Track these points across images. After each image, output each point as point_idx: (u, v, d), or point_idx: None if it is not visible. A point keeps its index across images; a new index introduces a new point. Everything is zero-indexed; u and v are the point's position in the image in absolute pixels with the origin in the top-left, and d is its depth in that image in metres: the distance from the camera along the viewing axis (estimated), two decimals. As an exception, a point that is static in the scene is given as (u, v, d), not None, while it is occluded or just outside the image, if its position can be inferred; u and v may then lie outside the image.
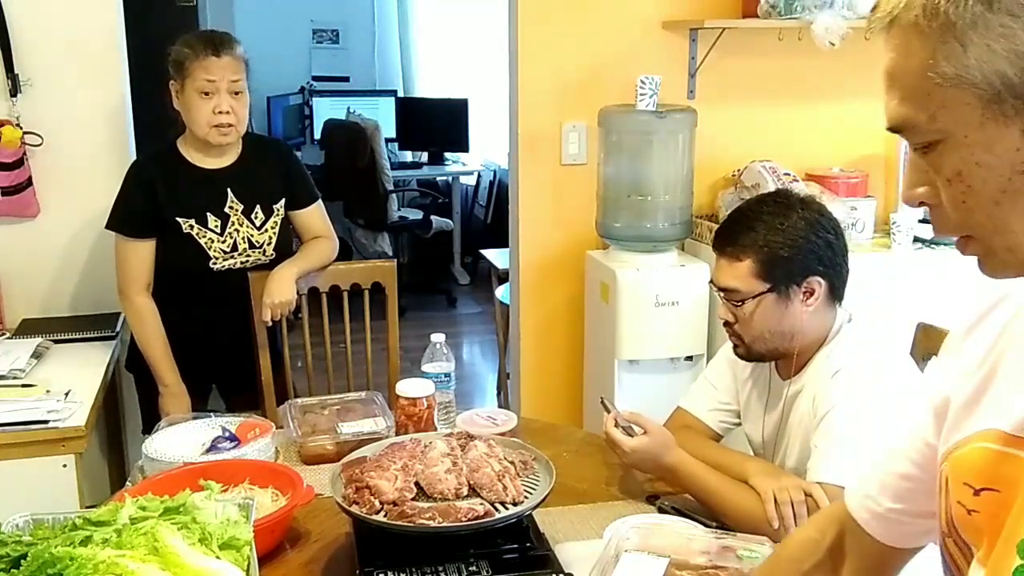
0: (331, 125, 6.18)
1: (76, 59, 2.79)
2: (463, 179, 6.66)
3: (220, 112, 2.38)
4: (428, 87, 6.97)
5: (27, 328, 2.69)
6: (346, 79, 6.97)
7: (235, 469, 1.69)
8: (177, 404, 2.41)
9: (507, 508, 1.46)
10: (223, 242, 2.44)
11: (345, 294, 2.61)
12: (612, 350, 2.97)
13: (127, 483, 1.90)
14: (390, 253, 5.76)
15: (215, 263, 2.44)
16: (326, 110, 6.56)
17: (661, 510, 1.70)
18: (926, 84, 0.79)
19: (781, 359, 1.76)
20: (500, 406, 2.35)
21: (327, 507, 1.63)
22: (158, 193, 2.42)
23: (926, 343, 2.07)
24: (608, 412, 1.75)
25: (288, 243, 2.57)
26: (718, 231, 1.77)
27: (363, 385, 2.47)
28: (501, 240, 3.77)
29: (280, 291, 2.41)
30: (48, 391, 2.27)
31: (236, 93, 2.40)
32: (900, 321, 2.00)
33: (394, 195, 5.89)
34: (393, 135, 6.43)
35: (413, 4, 6.98)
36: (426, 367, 2.05)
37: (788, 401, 1.75)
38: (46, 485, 2.14)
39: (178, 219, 2.41)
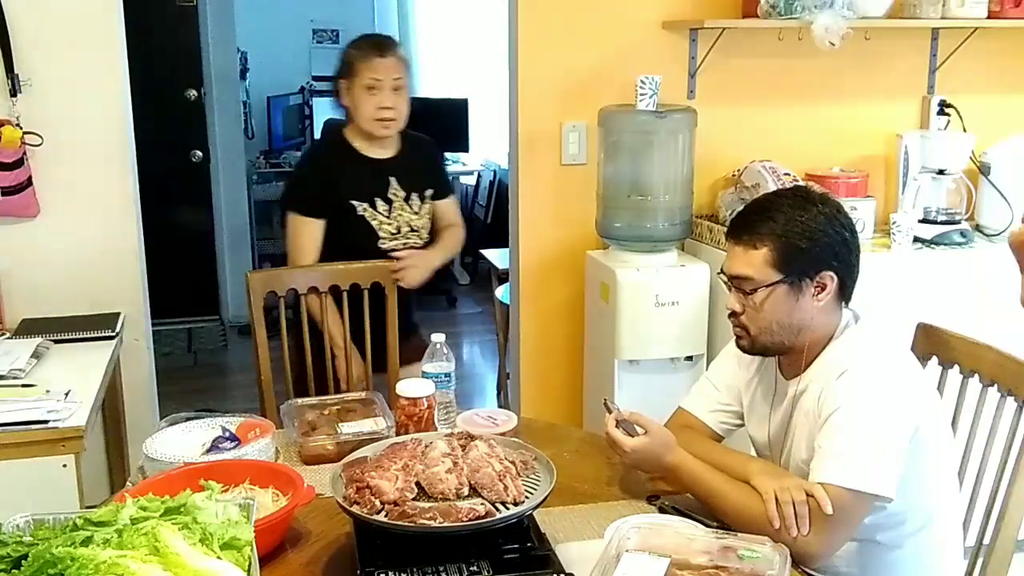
0: (331, 125, 6.16)
1: (76, 59, 2.79)
2: (463, 179, 6.66)
3: (383, 107, 2.61)
4: (428, 87, 6.97)
5: (27, 328, 2.69)
6: (346, 79, 6.96)
7: (236, 469, 1.69)
8: (354, 363, 2.61)
9: (508, 508, 1.46)
10: (390, 224, 2.68)
11: (345, 294, 2.61)
12: (612, 350, 2.97)
13: (127, 483, 1.90)
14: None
15: (383, 243, 2.67)
16: (326, 110, 6.54)
17: (662, 510, 1.70)
18: None
19: (785, 354, 1.76)
20: (500, 406, 2.38)
21: (327, 507, 1.63)
22: (333, 177, 2.66)
23: (926, 343, 2.07)
24: (609, 412, 1.75)
25: (434, 229, 2.80)
26: (734, 219, 1.76)
27: (363, 385, 2.47)
28: (501, 240, 3.77)
29: (424, 263, 2.69)
30: (48, 391, 2.26)
31: (397, 90, 2.64)
32: (900, 321, 2.00)
33: (394, 195, 5.88)
34: (393, 135, 6.42)
35: (413, 4, 6.98)
36: (426, 367, 2.05)
37: (792, 400, 1.75)
38: (46, 485, 2.14)
39: (352, 201, 2.64)
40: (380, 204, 2.66)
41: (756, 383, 1.86)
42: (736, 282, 1.72)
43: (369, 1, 7.08)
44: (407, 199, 2.72)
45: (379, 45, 2.66)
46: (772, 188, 3.08)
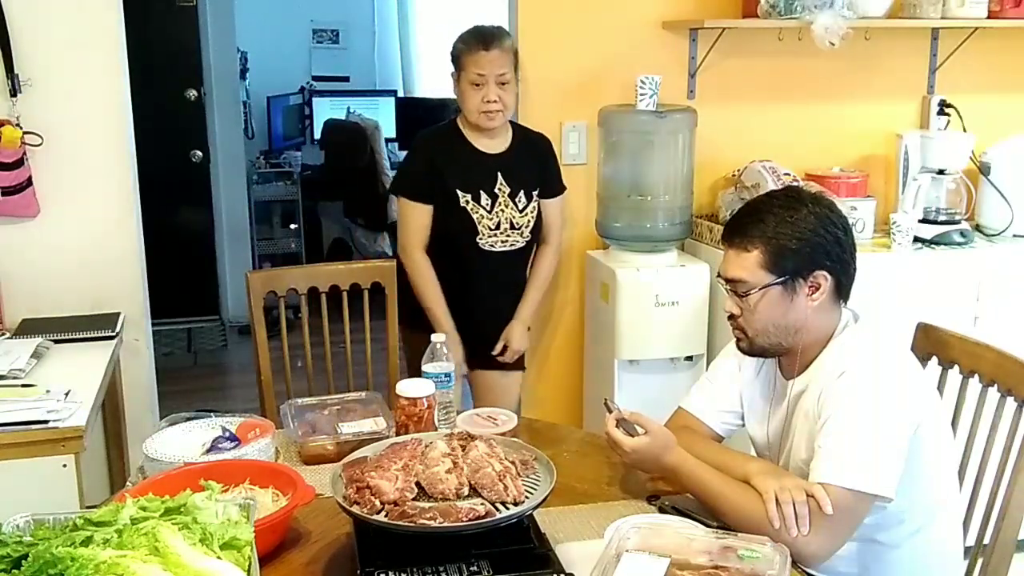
0: (331, 125, 6.17)
1: (76, 59, 2.79)
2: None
3: (487, 101, 2.62)
4: (428, 87, 6.96)
5: (27, 328, 2.69)
6: (346, 79, 6.96)
7: (235, 469, 1.69)
8: (454, 350, 2.58)
9: (508, 508, 1.46)
10: (491, 219, 2.68)
11: (345, 294, 2.61)
12: (612, 350, 2.97)
13: (127, 483, 1.90)
14: (390, 253, 5.75)
15: (481, 238, 2.68)
16: (326, 110, 6.56)
17: (662, 510, 1.70)
18: None
19: (784, 355, 1.76)
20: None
21: (327, 507, 1.63)
22: (438, 165, 2.68)
23: (926, 343, 2.07)
24: (610, 412, 1.75)
25: (538, 228, 2.79)
26: (728, 223, 1.78)
27: (363, 385, 2.47)
28: (501, 240, 3.76)
29: (521, 343, 2.80)
30: (48, 391, 2.26)
31: (502, 84, 2.63)
32: (900, 321, 2.00)
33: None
34: (393, 135, 6.43)
35: (413, 4, 6.97)
36: (426, 367, 2.05)
37: (792, 400, 1.75)
38: (46, 485, 2.13)
39: (457, 191, 2.66)
40: (484, 198, 2.67)
41: (756, 383, 1.86)
42: (731, 285, 1.72)
43: (369, 1, 7.07)
44: (512, 195, 2.71)
45: (484, 38, 2.64)
46: (772, 188, 3.09)
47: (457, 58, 2.68)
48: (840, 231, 1.69)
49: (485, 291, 2.74)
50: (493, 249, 2.70)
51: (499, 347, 2.77)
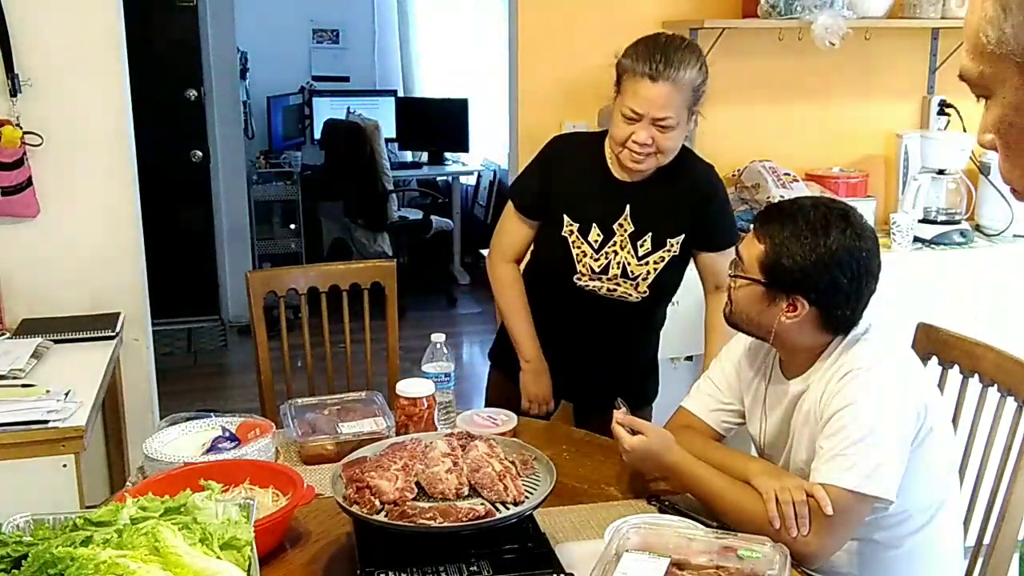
0: (331, 125, 6.17)
1: (76, 59, 2.79)
2: (463, 179, 6.66)
3: (636, 142, 2.08)
4: (428, 87, 6.97)
5: (27, 328, 2.69)
6: (346, 79, 6.96)
7: (235, 469, 1.69)
8: (538, 382, 2.28)
9: (508, 508, 1.46)
10: (595, 260, 2.19)
11: (345, 294, 2.61)
12: (612, 350, 2.96)
13: (127, 483, 1.90)
14: (390, 253, 5.76)
15: (579, 278, 2.21)
16: (326, 110, 6.56)
17: (662, 510, 1.70)
18: (979, 43, 0.83)
19: (761, 341, 1.78)
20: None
21: (327, 507, 1.63)
22: (557, 178, 2.23)
23: (926, 343, 2.07)
24: (617, 410, 1.76)
25: (670, 286, 2.28)
26: (771, 205, 1.80)
27: (363, 385, 2.47)
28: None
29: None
30: (48, 391, 2.26)
31: (664, 128, 2.06)
32: (900, 321, 2.00)
33: (394, 195, 5.89)
34: (393, 135, 6.43)
35: (413, 4, 6.97)
36: (426, 367, 2.05)
37: (793, 400, 1.74)
38: (46, 485, 2.14)
39: (565, 216, 2.20)
40: (594, 232, 2.18)
41: (757, 382, 1.86)
42: (736, 261, 1.76)
43: (369, 1, 7.07)
44: (637, 236, 2.18)
45: (655, 63, 2.03)
46: (772, 188, 3.09)
47: (620, 75, 2.12)
48: (845, 278, 1.63)
49: (578, 333, 2.29)
50: (596, 293, 2.22)
51: None
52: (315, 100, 6.72)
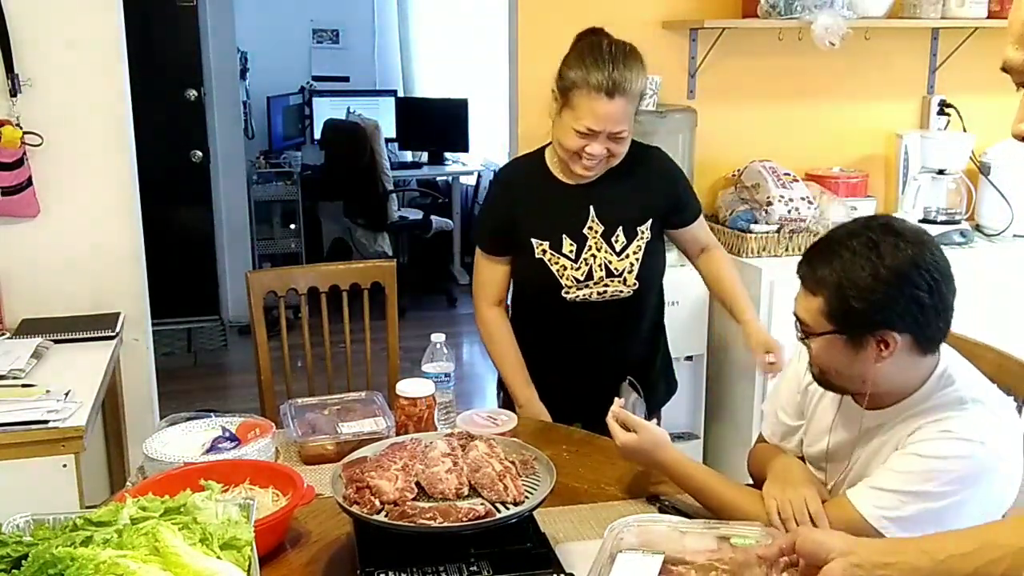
0: (331, 125, 6.18)
1: (76, 59, 2.79)
2: (463, 179, 6.66)
3: (590, 155, 2.08)
4: (428, 87, 6.97)
5: (27, 328, 2.69)
6: (346, 79, 6.97)
7: (235, 469, 1.69)
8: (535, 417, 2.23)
9: (508, 508, 1.46)
10: (576, 269, 2.18)
11: (345, 294, 2.61)
12: (612, 350, 2.96)
13: (127, 483, 1.90)
14: (390, 253, 5.76)
15: (567, 292, 2.19)
16: (326, 110, 6.56)
17: (662, 510, 1.70)
18: (1022, 33, 0.90)
19: (857, 395, 1.62)
20: (500, 406, 2.34)
21: (327, 507, 1.63)
22: (517, 209, 2.22)
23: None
24: (619, 397, 1.75)
25: (657, 270, 2.28)
26: (806, 252, 1.60)
27: (363, 385, 2.47)
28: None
29: (768, 340, 2.16)
30: (48, 391, 2.26)
31: (616, 140, 2.09)
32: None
33: (394, 195, 5.89)
34: (393, 135, 6.43)
35: (413, 4, 6.98)
36: (426, 367, 2.05)
37: (863, 432, 1.62)
38: (46, 485, 2.14)
39: (532, 240, 2.19)
40: (567, 244, 2.18)
41: (820, 394, 1.73)
42: (798, 323, 1.60)
43: (369, 1, 7.07)
44: (608, 234, 2.19)
45: (609, 80, 2.02)
46: (772, 188, 3.09)
47: (567, 91, 2.08)
48: (923, 291, 1.47)
49: (578, 347, 2.26)
50: (588, 300, 2.21)
51: (764, 357, 2.13)
52: (315, 100, 6.73)
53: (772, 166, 3.14)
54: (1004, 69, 0.91)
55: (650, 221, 2.22)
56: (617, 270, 2.20)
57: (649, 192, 2.23)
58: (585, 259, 2.19)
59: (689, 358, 3.06)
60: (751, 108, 3.33)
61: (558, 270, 2.19)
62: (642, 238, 2.21)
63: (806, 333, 1.57)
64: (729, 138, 3.27)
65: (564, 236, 2.19)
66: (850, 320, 1.50)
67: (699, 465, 1.70)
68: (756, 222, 3.09)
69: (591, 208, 2.19)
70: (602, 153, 2.09)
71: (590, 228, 2.19)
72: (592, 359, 2.27)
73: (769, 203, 3.07)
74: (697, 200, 2.35)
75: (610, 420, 1.73)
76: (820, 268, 1.52)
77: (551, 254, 2.19)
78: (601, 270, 2.19)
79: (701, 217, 2.35)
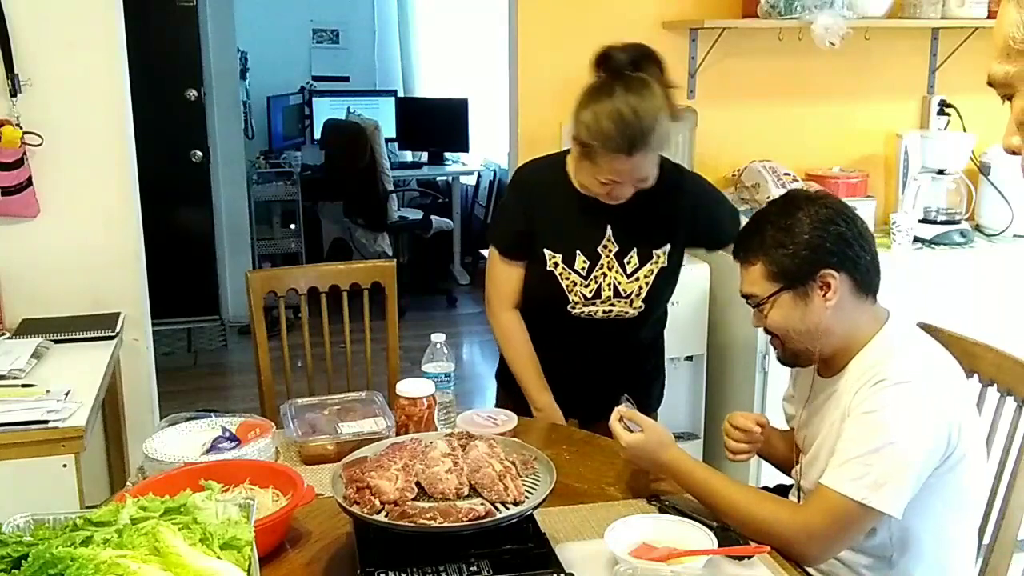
0: (331, 125, 6.18)
1: (76, 59, 2.79)
2: (463, 179, 6.67)
3: (616, 197, 2.08)
4: (428, 87, 6.97)
5: (27, 328, 2.69)
6: (346, 79, 6.97)
7: (236, 469, 1.69)
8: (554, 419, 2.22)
9: (508, 508, 1.46)
10: (586, 287, 2.17)
11: (345, 294, 2.61)
12: (612, 350, 2.96)
13: (127, 483, 1.90)
14: (390, 253, 5.76)
15: (573, 308, 2.19)
16: (326, 110, 6.56)
17: (662, 510, 1.70)
18: (1007, 45, 0.92)
19: (823, 361, 1.72)
20: (497, 405, 2.34)
21: (328, 507, 1.63)
22: (535, 215, 2.19)
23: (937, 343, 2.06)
24: (619, 405, 1.77)
25: (665, 294, 2.25)
26: (735, 243, 1.78)
27: (363, 385, 2.47)
28: (501, 240, 3.76)
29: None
30: (48, 391, 2.26)
31: (644, 182, 2.06)
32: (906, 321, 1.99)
33: (394, 195, 5.89)
34: (393, 135, 6.43)
35: (413, 4, 6.98)
36: (426, 367, 2.05)
37: (824, 400, 1.73)
38: (46, 485, 2.14)
39: (545, 251, 2.17)
40: (579, 260, 2.16)
41: (797, 375, 1.88)
42: (747, 300, 1.73)
43: (369, 1, 7.08)
44: (622, 255, 2.17)
45: (631, 140, 1.97)
46: (772, 188, 3.09)
47: (587, 147, 2.03)
48: (842, 226, 1.65)
49: (581, 361, 2.26)
50: (592, 317, 2.20)
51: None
52: (315, 100, 6.73)
53: (772, 166, 3.14)
54: (989, 83, 0.93)
55: (668, 246, 2.18)
56: (625, 291, 2.17)
57: (674, 217, 2.18)
58: (595, 277, 2.17)
59: (689, 358, 3.06)
60: (751, 108, 3.33)
61: (568, 285, 2.17)
62: (656, 262, 2.18)
63: (757, 303, 1.70)
64: (729, 138, 3.27)
65: (578, 252, 2.16)
66: (790, 272, 1.65)
67: (703, 465, 1.70)
68: (756, 222, 3.09)
69: (609, 227, 2.16)
70: (629, 194, 2.07)
71: (605, 247, 2.17)
72: (587, 369, 2.26)
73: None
74: (735, 220, 2.25)
75: (613, 423, 1.73)
76: (750, 241, 1.71)
77: (563, 268, 2.17)
78: (609, 290, 2.17)
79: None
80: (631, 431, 1.71)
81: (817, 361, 1.73)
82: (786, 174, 3.13)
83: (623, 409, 1.75)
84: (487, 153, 6.48)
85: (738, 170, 3.21)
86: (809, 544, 1.56)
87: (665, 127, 2.02)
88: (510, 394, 2.33)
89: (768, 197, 3.07)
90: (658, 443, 1.70)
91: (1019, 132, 0.93)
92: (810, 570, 1.58)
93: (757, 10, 3.05)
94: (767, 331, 1.74)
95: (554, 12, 3.13)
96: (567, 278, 2.17)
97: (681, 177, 2.23)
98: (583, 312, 2.19)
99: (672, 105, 2.05)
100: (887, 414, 1.55)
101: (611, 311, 2.19)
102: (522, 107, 3.18)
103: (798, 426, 1.84)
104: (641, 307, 2.19)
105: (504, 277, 2.25)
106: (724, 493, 1.64)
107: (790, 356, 1.75)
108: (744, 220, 2.19)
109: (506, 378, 2.34)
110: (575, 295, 2.17)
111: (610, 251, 2.17)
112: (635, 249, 2.17)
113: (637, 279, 2.18)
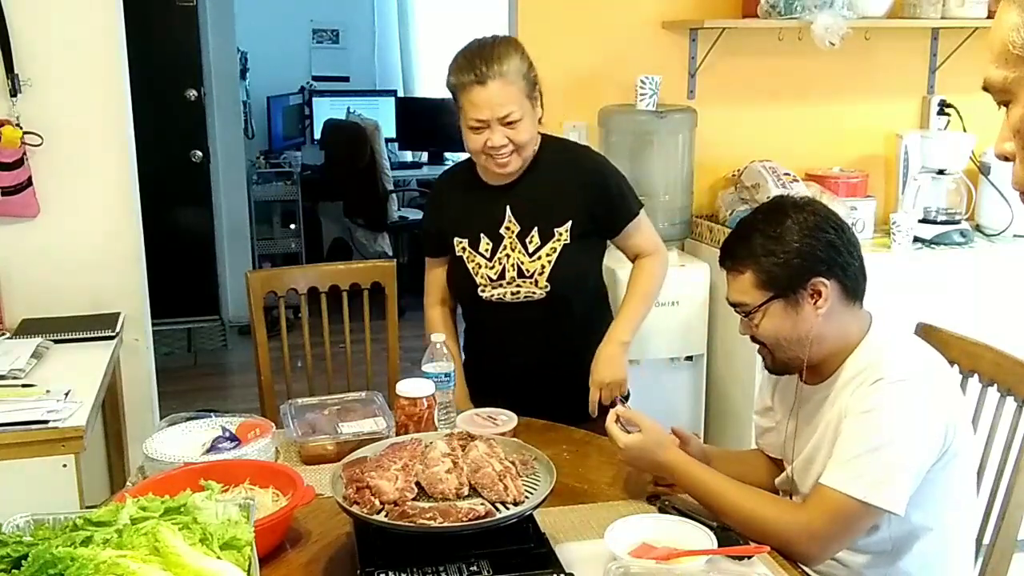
0: (331, 125, 6.18)
1: (76, 59, 2.79)
2: (463, 179, 6.66)
3: (491, 147, 2.09)
4: (428, 87, 6.96)
5: (27, 328, 2.69)
6: (346, 79, 6.97)
7: (235, 469, 1.69)
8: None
9: (508, 508, 1.46)
10: (490, 268, 2.20)
11: (345, 294, 2.61)
12: (612, 350, 2.96)
13: (127, 483, 1.90)
14: (390, 253, 5.76)
15: (483, 291, 2.22)
16: (326, 110, 6.56)
17: (662, 510, 1.70)
18: (1004, 50, 0.91)
19: (811, 368, 1.71)
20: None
21: (327, 507, 1.63)
22: (445, 211, 2.30)
23: (926, 343, 2.07)
24: (613, 407, 1.76)
25: (574, 276, 2.22)
26: (722, 248, 1.76)
27: (363, 385, 2.47)
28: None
29: (608, 371, 2.17)
30: (48, 391, 2.26)
31: (512, 123, 2.07)
32: (900, 321, 1.99)
33: (394, 195, 5.89)
34: (393, 135, 6.43)
35: (413, 4, 6.98)
36: (426, 367, 2.05)
37: (816, 407, 1.71)
38: (46, 485, 2.14)
39: (455, 238, 2.24)
40: (483, 243, 2.20)
41: (776, 386, 1.86)
42: (736, 308, 1.73)
43: (369, 1, 7.08)
44: (523, 235, 2.19)
45: (478, 67, 2.04)
46: (772, 188, 3.09)
47: (453, 94, 2.12)
48: (831, 233, 1.66)
49: (501, 345, 2.29)
50: (504, 300, 2.22)
51: (593, 395, 2.16)
52: (315, 100, 6.73)
53: (772, 166, 3.14)
54: (985, 88, 0.93)
55: (570, 223, 2.19)
56: (528, 271, 2.19)
57: (572, 193, 2.20)
58: (499, 259, 2.21)
59: (689, 358, 3.06)
60: (751, 108, 3.33)
61: (473, 268, 2.22)
62: (559, 240, 2.19)
63: (747, 312, 1.69)
64: (729, 138, 3.27)
65: (481, 234, 2.21)
66: (780, 281, 1.65)
67: (703, 466, 1.69)
68: (756, 222, 3.09)
69: (508, 208, 2.20)
70: (503, 142, 2.09)
71: (507, 228, 2.21)
72: (524, 357, 2.25)
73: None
74: (634, 201, 2.27)
75: (610, 424, 1.73)
76: (739, 249, 1.70)
77: (469, 252, 2.23)
78: (513, 270, 2.20)
79: (640, 221, 2.28)
80: (629, 432, 1.71)
81: (804, 369, 1.72)
82: (786, 174, 3.13)
83: (620, 410, 1.74)
84: (487, 153, 6.47)
85: (738, 170, 3.21)
86: (810, 544, 1.56)
87: (521, 63, 2.09)
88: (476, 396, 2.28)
89: (767, 197, 3.07)
90: (656, 444, 1.70)
91: (1014, 139, 0.91)
92: (808, 570, 1.58)
93: (757, 10, 3.05)
94: (755, 340, 1.73)
95: (554, 12, 3.13)
96: (472, 260, 2.23)
97: (576, 153, 2.29)
98: (493, 295, 2.22)
99: (532, 66, 2.13)
100: (886, 412, 1.55)
101: (518, 292, 2.20)
102: (522, 107, 3.18)
103: (785, 437, 1.82)
104: (547, 287, 2.18)
105: (429, 276, 2.37)
106: (724, 493, 1.63)
107: (780, 365, 1.74)
108: (644, 215, 2.29)
109: (476, 379, 2.32)
110: (481, 277, 2.21)
111: (512, 231, 2.20)
112: (536, 228, 2.19)
113: (539, 258, 2.19)
